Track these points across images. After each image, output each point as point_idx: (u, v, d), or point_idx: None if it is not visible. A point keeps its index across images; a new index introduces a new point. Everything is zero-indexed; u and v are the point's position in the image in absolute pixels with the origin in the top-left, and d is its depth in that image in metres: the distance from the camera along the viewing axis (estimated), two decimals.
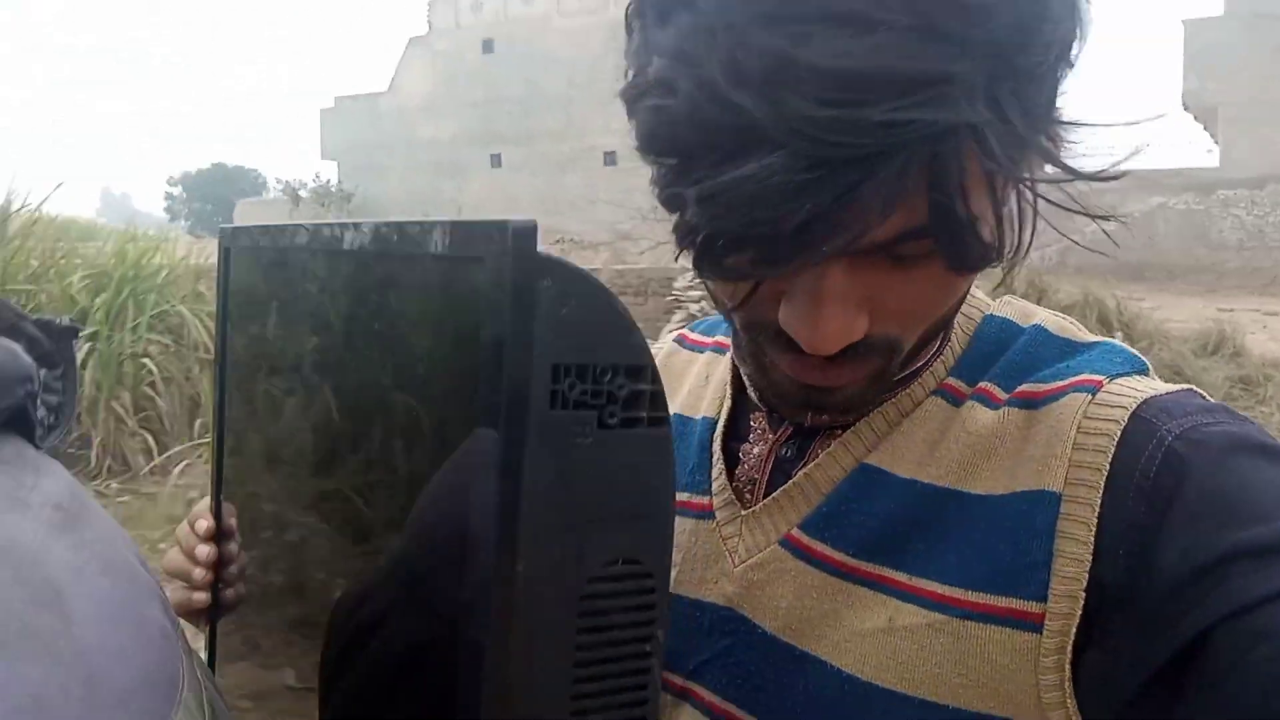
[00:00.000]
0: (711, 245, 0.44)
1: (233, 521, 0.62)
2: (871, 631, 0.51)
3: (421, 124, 25.84)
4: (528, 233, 0.31)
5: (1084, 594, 0.46)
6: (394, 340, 0.40)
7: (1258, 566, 0.42)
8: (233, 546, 0.62)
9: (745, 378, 0.56)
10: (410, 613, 0.37)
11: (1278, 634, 0.40)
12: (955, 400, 0.55)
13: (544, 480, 0.32)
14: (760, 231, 0.41)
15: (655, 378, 0.34)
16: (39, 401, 0.38)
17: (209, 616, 0.63)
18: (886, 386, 0.53)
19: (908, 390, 0.55)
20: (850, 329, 0.46)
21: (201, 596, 0.62)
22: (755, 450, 0.59)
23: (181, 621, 0.57)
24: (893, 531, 0.52)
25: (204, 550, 0.62)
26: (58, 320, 0.40)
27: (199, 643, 0.65)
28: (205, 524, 0.63)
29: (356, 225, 0.41)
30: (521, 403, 0.31)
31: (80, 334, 0.41)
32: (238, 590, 0.62)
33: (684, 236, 0.45)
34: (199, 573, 0.62)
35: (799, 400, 0.52)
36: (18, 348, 0.36)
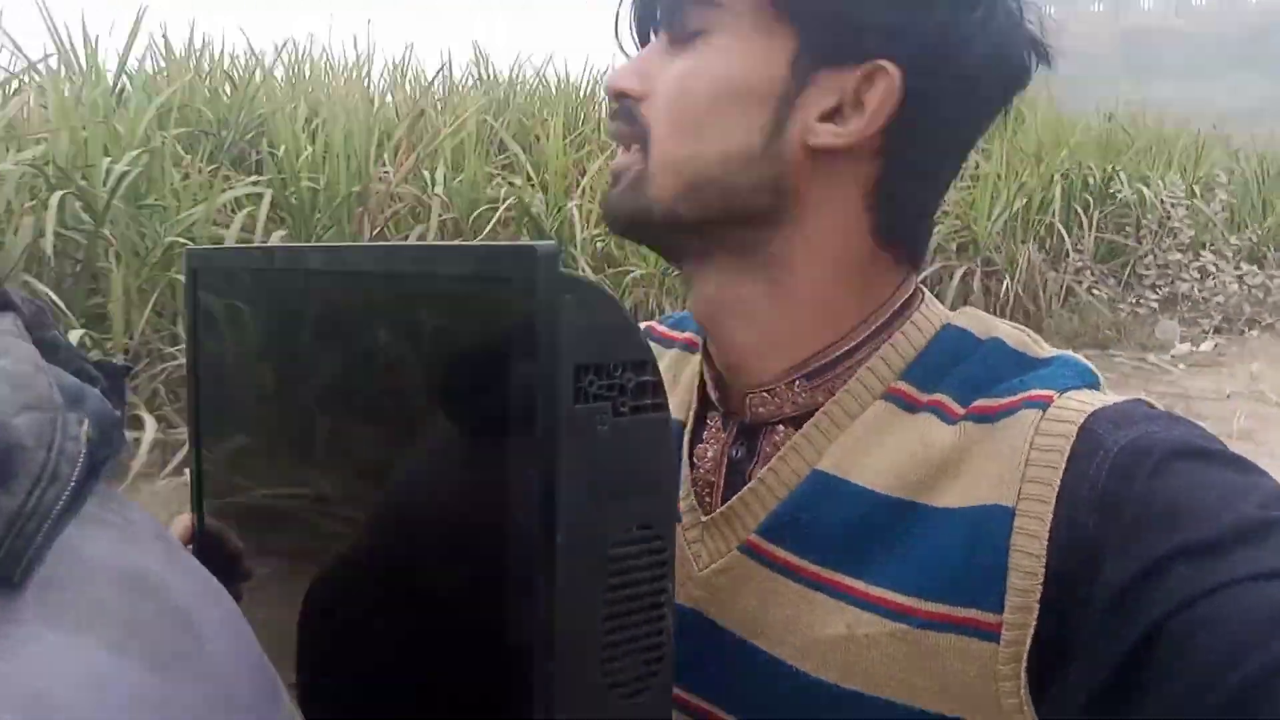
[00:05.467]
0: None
1: (225, 530, 0.65)
2: (832, 638, 0.53)
3: None
4: (553, 256, 0.37)
5: (1038, 605, 0.48)
6: (418, 355, 0.45)
7: (1197, 564, 0.44)
8: (228, 553, 0.65)
9: None
10: (454, 589, 0.42)
11: (1215, 623, 0.42)
12: (909, 407, 0.56)
13: (574, 465, 0.38)
14: None
15: (655, 369, 0.40)
16: None
17: None
18: (633, 203, 0.57)
19: (846, 388, 0.56)
20: (619, 77, 0.57)
21: None
22: (710, 453, 0.60)
23: None
24: (852, 539, 0.53)
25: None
26: (114, 360, 0.42)
27: None
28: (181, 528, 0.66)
29: (368, 249, 0.46)
30: (554, 401, 0.37)
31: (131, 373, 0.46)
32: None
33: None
34: None
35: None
36: (98, 394, 0.38)
